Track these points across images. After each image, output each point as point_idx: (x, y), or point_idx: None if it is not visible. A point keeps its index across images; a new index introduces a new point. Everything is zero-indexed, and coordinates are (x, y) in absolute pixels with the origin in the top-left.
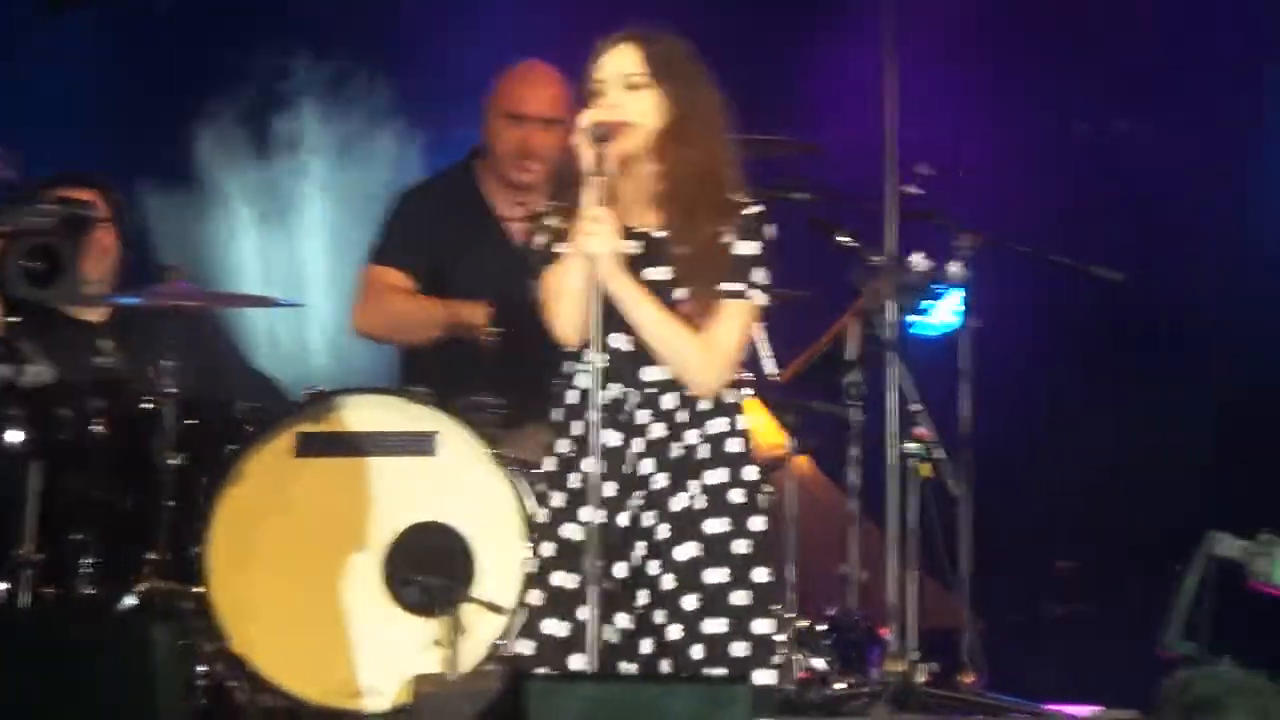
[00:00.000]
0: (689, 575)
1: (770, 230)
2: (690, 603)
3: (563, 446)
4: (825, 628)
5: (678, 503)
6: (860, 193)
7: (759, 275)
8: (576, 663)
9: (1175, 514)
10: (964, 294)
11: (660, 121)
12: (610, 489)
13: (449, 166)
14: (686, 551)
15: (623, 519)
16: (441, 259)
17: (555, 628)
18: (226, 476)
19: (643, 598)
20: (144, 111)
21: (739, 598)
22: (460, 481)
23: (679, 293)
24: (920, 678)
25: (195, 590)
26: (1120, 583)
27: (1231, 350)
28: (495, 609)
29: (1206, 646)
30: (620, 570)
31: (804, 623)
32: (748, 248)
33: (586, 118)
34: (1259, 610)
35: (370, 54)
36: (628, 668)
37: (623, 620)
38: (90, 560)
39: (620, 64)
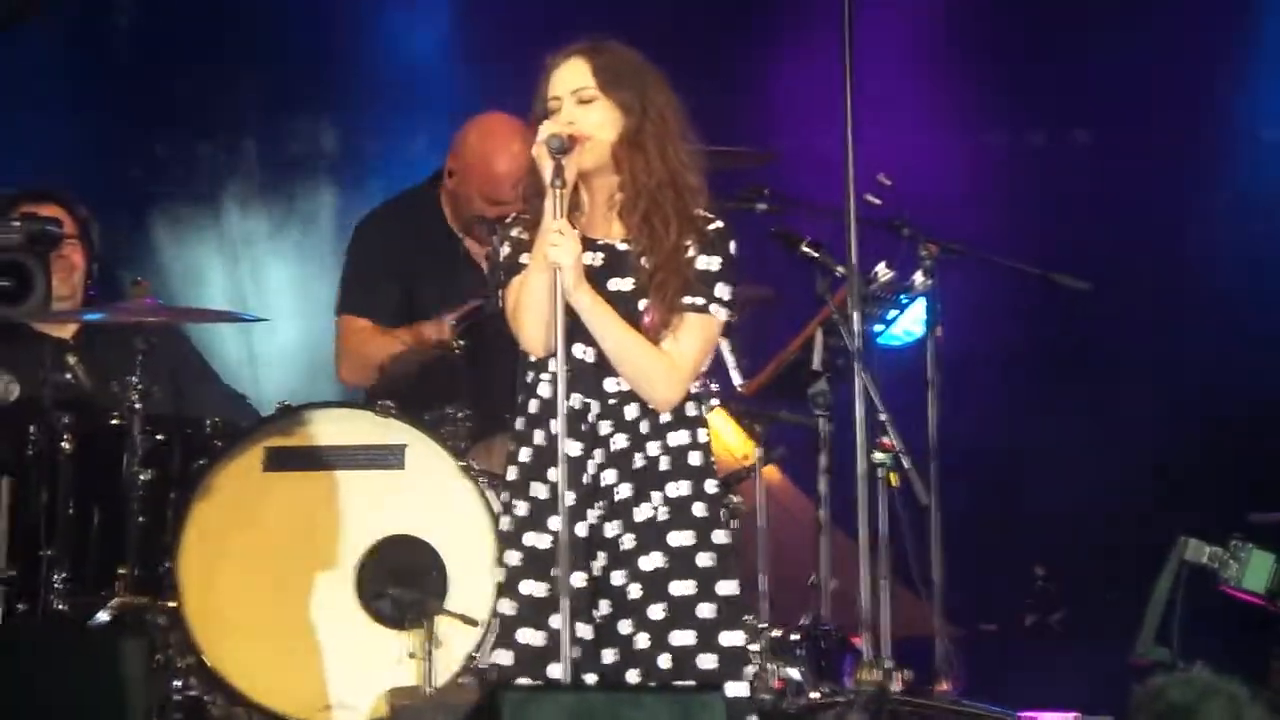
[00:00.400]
0: (655, 585)
1: (734, 246)
2: (657, 612)
3: (524, 455)
4: (798, 637)
5: (641, 513)
6: (821, 202)
7: (722, 290)
8: (555, 671)
9: (1147, 519)
10: (927, 303)
11: (616, 133)
12: (569, 499)
13: (412, 188)
14: (652, 561)
15: (581, 529)
16: (409, 284)
17: (531, 636)
18: (196, 491)
19: (605, 607)
20: (106, 130)
21: (704, 610)
22: (430, 494)
23: (642, 304)
24: (894, 686)
25: (167, 605)
26: (1094, 589)
27: (1200, 354)
28: (469, 621)
29: (1179, 651)
30: (579, 580)
31: (776, 632)
32: (710, 262)
33: (544, 131)
34: (1232, 614)
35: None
36: (590, 678)
37: (583, 630)
38: (62, 576)
39: (571, 78)
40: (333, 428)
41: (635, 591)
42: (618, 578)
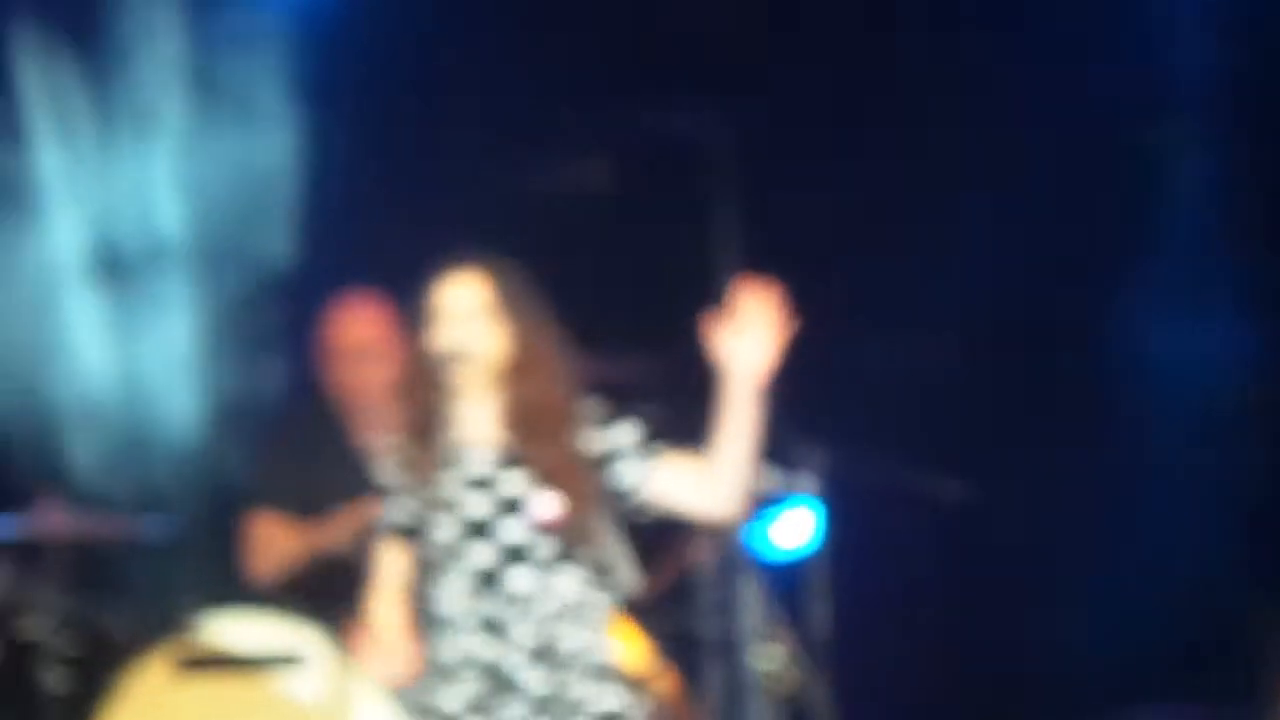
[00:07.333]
0: None
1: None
2: None
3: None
4: None
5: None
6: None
7: (626, 430)
8: None
9: None
10: (817, 507)
11: (501, 350)
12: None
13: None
14: None
15: None
16: (312, 496)
17: None
18: (108, 702)
19: None
20: None
21: None
22: (340, 702)
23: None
24: None
25: None
26: None
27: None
28: None
29: None
30: None
31: None
32: (606, 437)
33: (429, 342)
34: None
35: None
36: None
37: None
38: None
39: (463, 293)
40: (245, 632)
41: None
42: None
